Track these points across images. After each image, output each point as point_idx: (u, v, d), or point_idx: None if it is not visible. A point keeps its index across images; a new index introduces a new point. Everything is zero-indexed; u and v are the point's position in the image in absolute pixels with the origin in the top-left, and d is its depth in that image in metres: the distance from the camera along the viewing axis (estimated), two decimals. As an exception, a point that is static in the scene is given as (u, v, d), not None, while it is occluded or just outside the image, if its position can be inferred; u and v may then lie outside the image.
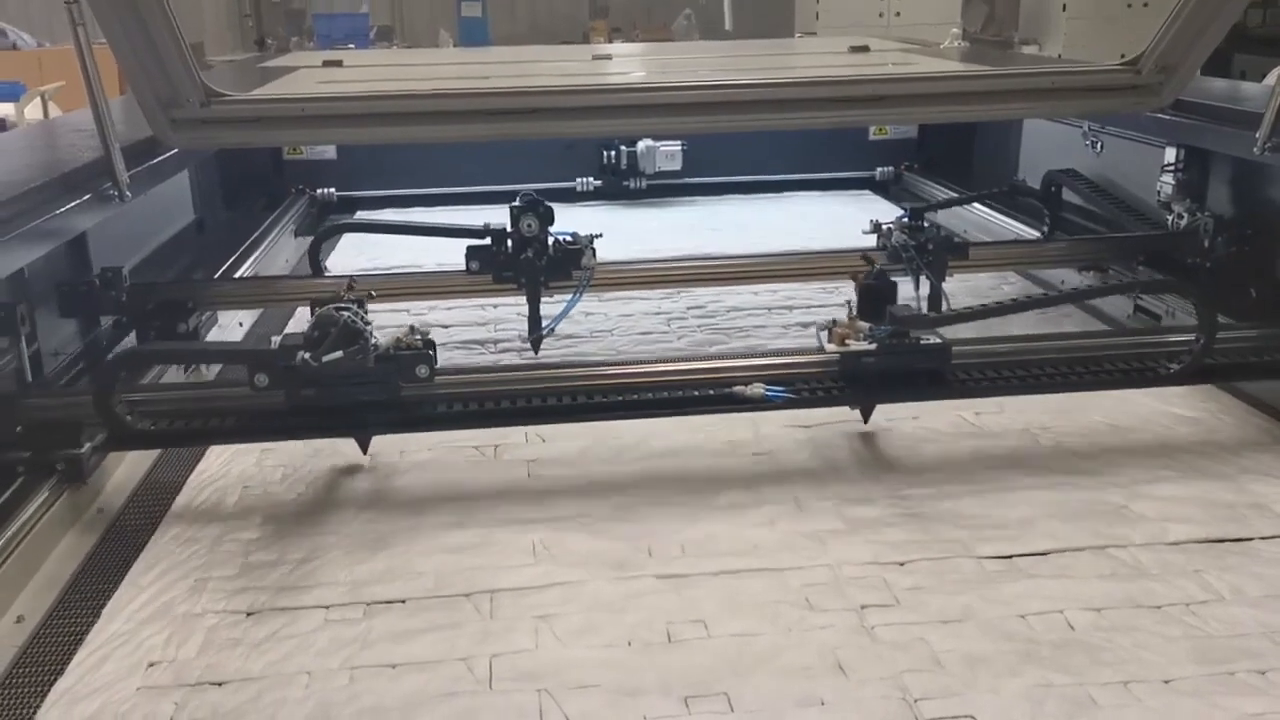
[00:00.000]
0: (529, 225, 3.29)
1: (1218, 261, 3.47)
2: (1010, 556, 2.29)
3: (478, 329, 3.91)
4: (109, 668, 1.99)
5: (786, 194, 5.86)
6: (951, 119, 4.82)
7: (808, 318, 3.95)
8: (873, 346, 2.71)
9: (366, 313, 2.56)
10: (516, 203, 3.32)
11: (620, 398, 2.73)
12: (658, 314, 4.06)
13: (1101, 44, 9.60)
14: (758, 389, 2.66)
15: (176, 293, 3.46)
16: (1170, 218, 3.74)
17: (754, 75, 3.93)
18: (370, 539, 2.43)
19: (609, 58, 5.03)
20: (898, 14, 11.08)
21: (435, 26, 12.66)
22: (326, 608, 2.18)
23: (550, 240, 3.34)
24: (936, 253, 3.45)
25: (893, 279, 2.86)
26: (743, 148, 5.82)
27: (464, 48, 10.82)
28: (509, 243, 3.34)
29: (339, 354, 2.44)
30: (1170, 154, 3.74)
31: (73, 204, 2.78)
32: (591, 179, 5.79)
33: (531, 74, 4.51)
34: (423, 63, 5.86)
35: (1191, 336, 2.84)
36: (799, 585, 2.20)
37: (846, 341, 2.73)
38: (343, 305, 2.52)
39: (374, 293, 2.78)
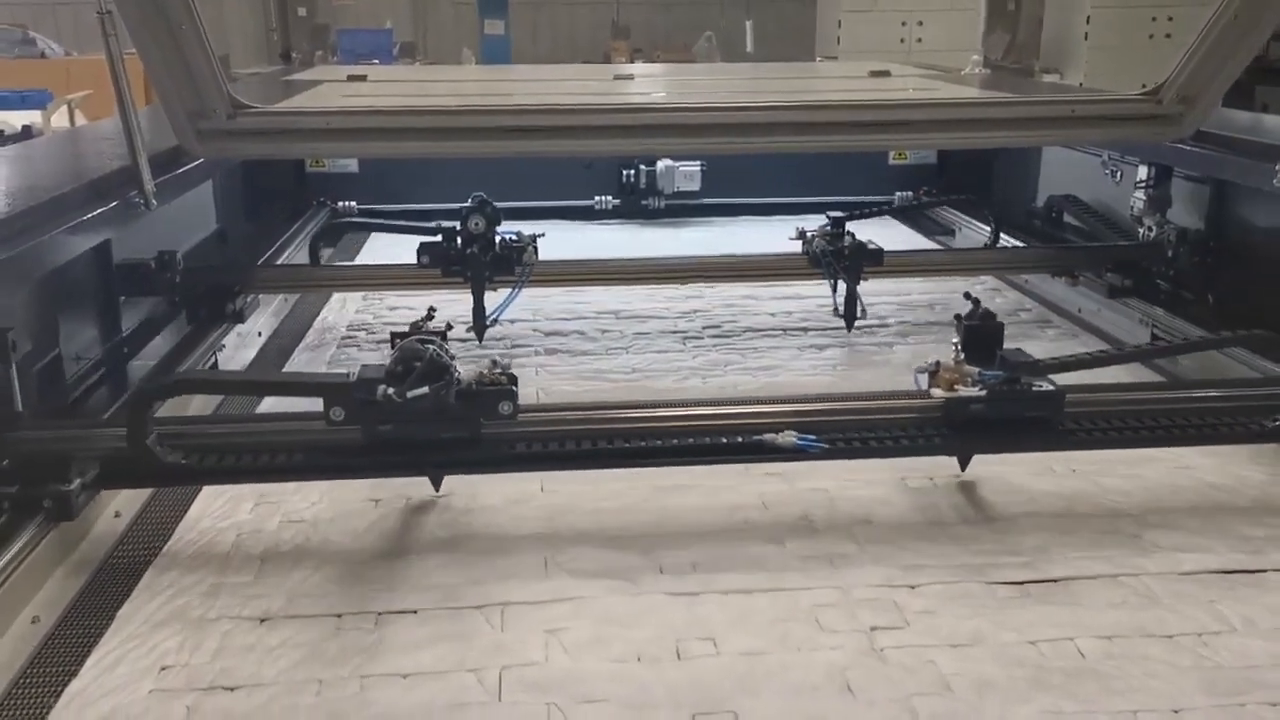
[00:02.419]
0: (476, 223, 3.57)
1: (1180, 270, 3.77)
2: (1022, 583, 2.29)
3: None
4: (123, 670, 2.01)
5: (804, 216, 5.86)
6: (971, 145, 4.84)
7: (822, 340, 3.96)
8: (982, 392, 2.52)
9: (448, 343, 2.42)
10: (467, 203, 3.59)
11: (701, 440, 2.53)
12: (674, 333, 4.08)
13: (1123, 74, 9.61)
14: (789, 438, 2.46)
15: (224, 277, 3.81)
16: (1141, 231, 4.01)
17: (774, 98, 3.96)
18: (383, 549, 2.45)
19: (630, 78, 5.07)
20: (919, 40, 11.13)
21: (458, 44, 12.76)
22: (338, 616, 2.19)
23: (496, 238, 3.60)
24: (853, 258, 3.73)
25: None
26: (761, 170, 5.84)
27: (486, 65, 10.91)
28: (458, 240, 3.60)
29: (424, 390, 2.30)
30: (1143, 171, 4.01)
31: (98, 211, 2.82)
32: (610, 198, 5.83)
33: (553, 92, 4.55)
34: (445, 79, 5.92)
35: None
36: (809, 605, 2.20)
37: (955, 387, 2.54)
38: (427, 338, 2.38)
39: (450, 323, 2.59)
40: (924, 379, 2.60)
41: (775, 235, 5.47)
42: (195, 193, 4.01)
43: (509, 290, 3.68)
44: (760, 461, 2.62)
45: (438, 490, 2.62)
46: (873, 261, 3.81)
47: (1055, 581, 2.29)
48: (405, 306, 4.43)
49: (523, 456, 2.50)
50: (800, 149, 3.85)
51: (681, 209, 5.85)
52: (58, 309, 2.85)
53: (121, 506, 2.60)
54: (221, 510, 2.62)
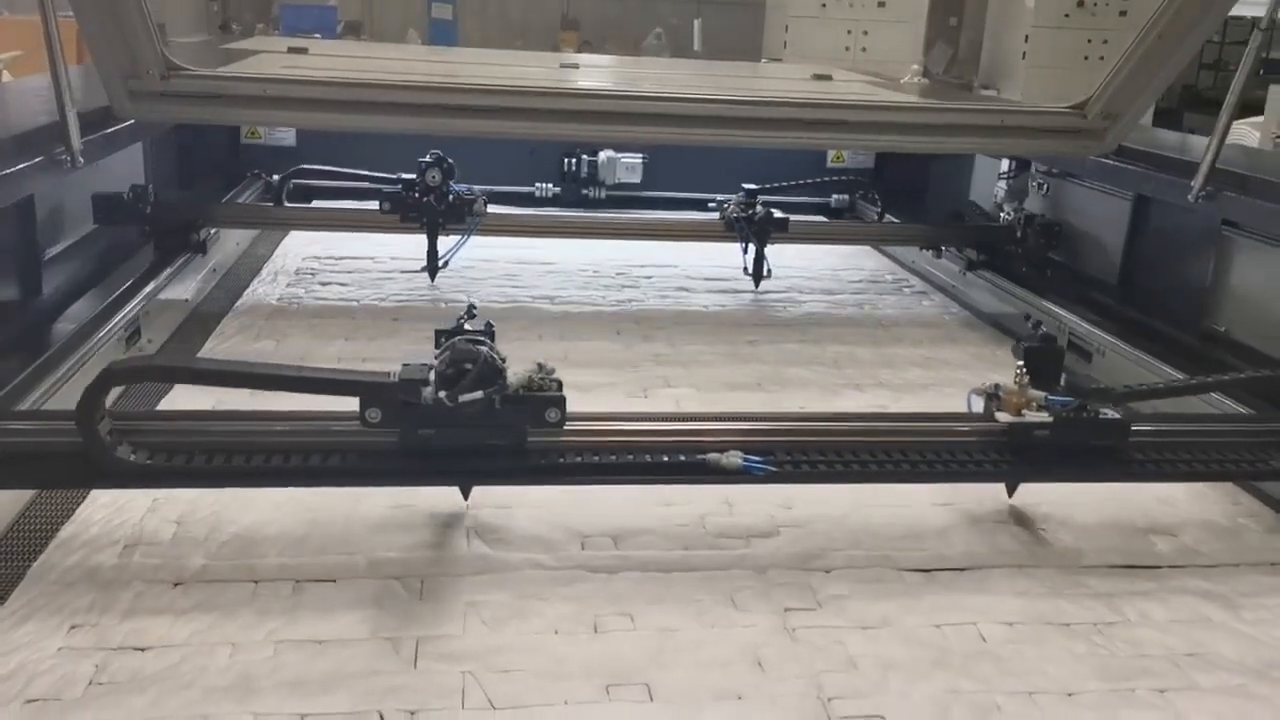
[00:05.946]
0: (433, 176, 3.96)
1: (1027, 250, 4.27)
2: (931, 570, 2.36)
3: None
4: (30, 627, 1.98)
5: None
6: (903, 148, 4.90)
7: (752, 335, 4.02)
8: (1049, 419, 2.42)
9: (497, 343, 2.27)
10: (425, 158, 3.97)
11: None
12: (596, 309, 4.16)
13: (1059, 93, 9.84)
14: (735, 459, 2.28)
15: (192, 210, 4.17)
16: (1001, 215, 4.54)
17: (716, 92, 4.00)
18: (305, 518, 2.43)
19: (576, 66, 5.07)
20: (864, 49, 11.25)
21: (405, 26, 12.63)
22: (255, 582, 2.18)
23: (450, 191, 3.98)
24: (761, 224, 4.28)
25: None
26: (703, 165, 5.87)
27: (430, 46, 10.80)
28: (415, 190, 3.98)
29: (478, 394, 2.15)
30: (1004, 164, 4.62)
31: (21, 166, 2.75)
32: (551, 185, 5.83)
33: (497, 76, 4.54)
34: (388, 57, 5.85)
35: None
36: (726, 585, 2.24)
37: (1022, 412, 2.44)
38: (478, 338, 2.23)
39: (491, 322, 2.35)
40: (979, 401, 2.51)
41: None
42: (127, 157, 3.94)
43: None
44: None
45: (467, 499, 2.43)
46: (778, 227, 4.31)
47: (962, 570, 2.36)
48: (337, 281, 4.40)
49: (572, 468, 2.30)
50: (739, 143, 3.89)
51: (622, 200, 5.87)
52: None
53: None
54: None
